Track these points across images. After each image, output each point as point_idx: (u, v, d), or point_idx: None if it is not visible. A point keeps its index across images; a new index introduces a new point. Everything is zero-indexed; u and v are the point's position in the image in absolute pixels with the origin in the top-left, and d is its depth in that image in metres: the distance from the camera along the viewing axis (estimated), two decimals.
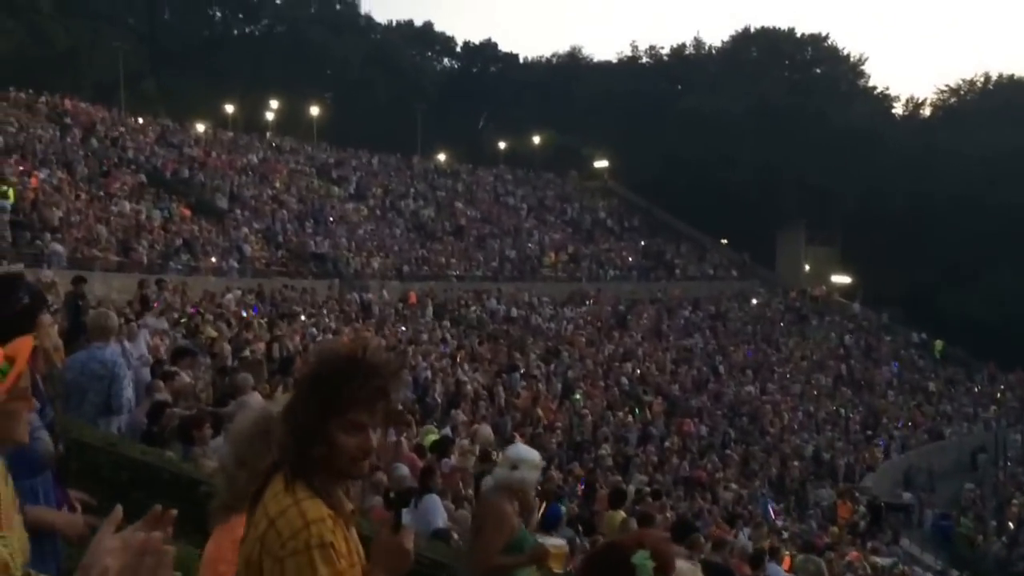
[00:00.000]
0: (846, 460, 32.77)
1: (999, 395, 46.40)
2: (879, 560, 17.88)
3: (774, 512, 23.21)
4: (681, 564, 3.20)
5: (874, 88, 73.84)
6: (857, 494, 28.67)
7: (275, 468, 2.42)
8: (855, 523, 25.48)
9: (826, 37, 74.38)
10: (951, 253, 58.74)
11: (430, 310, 33.25)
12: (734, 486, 24.19)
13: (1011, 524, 30.24)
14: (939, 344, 51.13)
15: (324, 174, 47.88)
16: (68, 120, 38.03)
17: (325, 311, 27.12)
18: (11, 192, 24.42)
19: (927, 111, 74.43)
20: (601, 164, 68.61)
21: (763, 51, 73.31)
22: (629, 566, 2.78)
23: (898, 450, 36.46)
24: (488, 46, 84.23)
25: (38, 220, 24.06)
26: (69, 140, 35.11)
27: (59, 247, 22.82)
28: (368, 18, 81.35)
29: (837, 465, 32.05)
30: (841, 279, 59.03)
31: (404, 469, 11.21)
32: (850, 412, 38.57)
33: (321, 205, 41.92)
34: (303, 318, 24.41)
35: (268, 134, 56.06)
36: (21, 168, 27.94)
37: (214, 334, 17.08)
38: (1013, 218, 56.21)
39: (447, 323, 32.45)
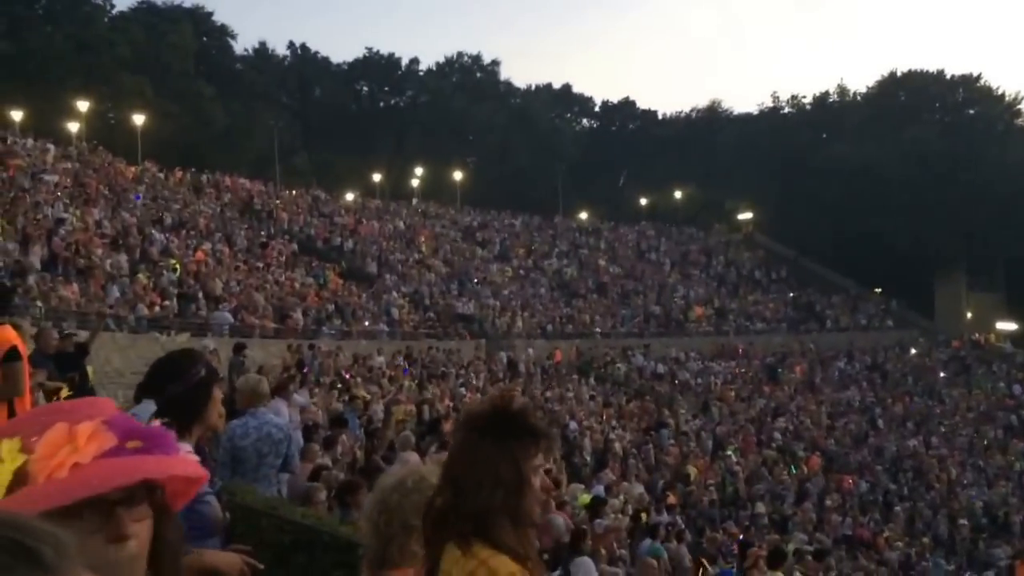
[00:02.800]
0: (1023, 517, 30.74)
1: None
2: None
3: (946, 573, 21.97)
4: None
5: None
6: None
7: (437, 529, 2.36)
8: None
9: (978, 77, 71.56)
10: None
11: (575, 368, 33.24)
12: (900, 545, 23.03)
13: None
14: None
15: (468, 237, 48.83)
16: (228, 196, 40.10)
17: (472, 371, 27.46)
18: (178, 265, 25.85)
19: None
20: (745, 216, 67.61)
21: (911, 95, 71.11)
22: None
23: None
24: (626, 104, 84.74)
25: (201, 291, 25.32)
26: (228, 214, 36.97)
27: (227, 315, 23.90)
28: (508, 83, 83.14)
29: (1012, 522, 30.09)
30: (1007, 326, 55.96)
31: (560, 520, 11.16)
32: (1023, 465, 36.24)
33: (466, 267, 42.70)
34: (452, 379, 24.76)
35: (414, 200, 57.70)
36: (187, 243, 29.56)
37: (367, 396, 17.51)
38: None
39: (593, 380, 32.33)
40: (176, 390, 3.35)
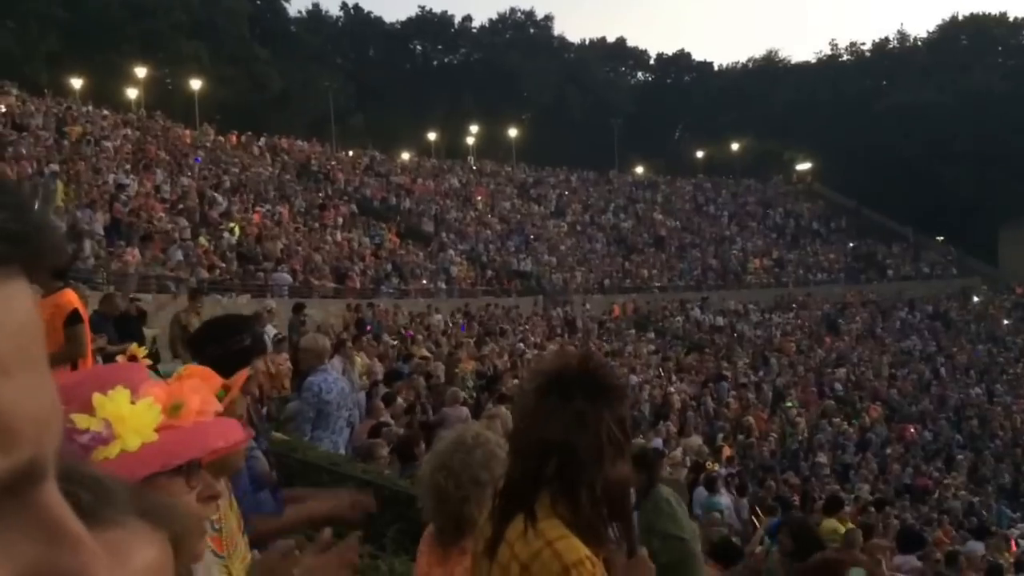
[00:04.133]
0: None
1: None
2: None
3: (1011, 521, 21.73)
4: None
5: None
6: None
7: (511, 498, 2.20)
8: None
9: None
10: None
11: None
12: (963, 494, 22.82)
13: None
14: None
15: (524, 193, 48.80)
16: (285, 157, 40.50)
17: (530, 327, 27.62)
18: (236, 228, 26.24)
19: None
20: (804, 167, 66.57)
21: (973, 38, 69.19)
22: None
23: None
24: (681, 56, 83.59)
25: (261, 253, 25.69)
26: (286, 177, 37.37)
27: (286, 276, 24.27)
28: (561, 39, 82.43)
29: None
30: None
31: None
32: None
33: (522, 224, 42.73)
34: (510, 335, 24.94)
35: (469, 158, 57.73)
36: (246, 206, 29.97)
37: (426, 354, 17.74)
38: None
39: (651, 334, 32.31)
40: (215, 352, 3.44)
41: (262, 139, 42.78)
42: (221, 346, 3.46)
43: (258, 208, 29.82)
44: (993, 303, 49.02)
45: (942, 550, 12.04)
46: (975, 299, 49.02)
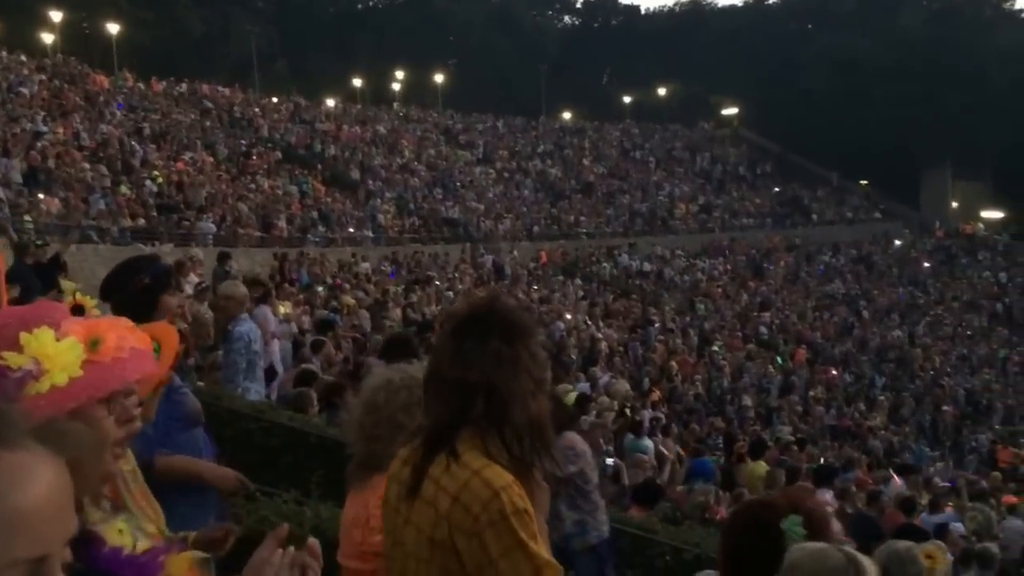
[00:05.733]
0: (1005, 402, 31.41)
1: None
2: None
3: (930, 460, 22.48)
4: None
5: (1020, 12, 69.70)
6: (1020, 438, 27.42)
7: (433, 440, 2.23)
8: (1016, 468, 24.37)
9: None
10: None
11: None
12: (884, 433, 23.51)
13: None
14: None
15: (451, 140, 48.39)
16: (207, 104, 39.49)
17: (458, 275, 27.54)
18: (159, 176, 25.60)
19: None
20: (730, 112, 67.06)
21: None
22: (777, 529, 2.68)
23: None
24: (608, 0, 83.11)
25: (184, 201, 25.13)
26: (208, 124, 36.47)
27: (210, 225, 23.82)
28: None
29: (995, 408, 30.75)
30: (993, 214, 56.20)
31: None
32: (1008, 352, 36.85)
33: (450, 171, 42.43)
34: (438, 283, 24.84)
35: (395, 104, 56.95)
36: (168, 153, 29.22)
37: (351, 302, 17.57)
38: None
39: (579, 280, 32.47)
40: (120, 299, 3.34)
41: (183, 85, 41.63)
42: (123, 290, 3.35)
43: (181, 156, 29.10)
44: (914, 246, 50.28)
45: (863, 489, 12.31)
46: (897, 243, 50.20)
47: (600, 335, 23.81)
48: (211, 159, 30.71)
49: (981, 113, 58.52)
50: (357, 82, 60.76)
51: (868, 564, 2.50)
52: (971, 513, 12.78)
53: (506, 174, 45.79)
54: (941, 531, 10.19)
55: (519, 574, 2.09)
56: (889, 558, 3.67)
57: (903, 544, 4.02)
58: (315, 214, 29.86)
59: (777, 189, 55.11)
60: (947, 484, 16.57)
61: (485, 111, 55.73)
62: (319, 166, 36.09)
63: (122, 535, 1.93)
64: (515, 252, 33.98)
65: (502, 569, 2.09)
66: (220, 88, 44.17)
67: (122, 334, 1.79)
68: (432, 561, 2.18)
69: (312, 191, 32.29)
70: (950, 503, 13.51)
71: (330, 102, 50.81)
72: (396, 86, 62.37)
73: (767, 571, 2.64)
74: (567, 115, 62.91)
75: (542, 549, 2.14)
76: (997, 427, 28.64)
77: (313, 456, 6.91)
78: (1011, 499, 16.22)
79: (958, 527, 11.25)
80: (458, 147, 47.48)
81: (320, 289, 19.07)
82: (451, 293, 23.50)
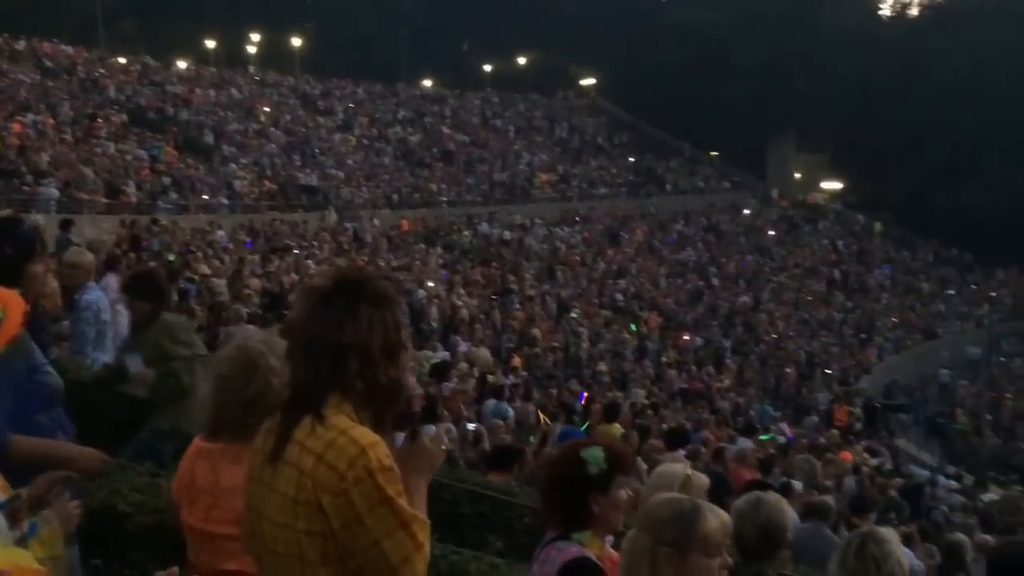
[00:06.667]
0: (841, 364, 33.24)
1: (993, 293, 46.85)
2: (870, 459, 18.28)
3: (773, 418, 23.58)
4: (673, 466, 3.38)
5: None
6: (853, 396, 29.12)
7: (297, 403, 2.25)
8: (851, 425, 25.89)
9: None
10: (943, 154, 58.41)
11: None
12: (731, 395, 24.54)
13: (1005, 420, 30.91)
14: (878, 226, 52.37)
15: (309, 105, 47.48)
16: (49, 63, 37.58)
17: (317, 243, 27.17)
18: None
19: (915, 11, 73.50)
20: (588, 82, 67.94)
21: None
22: (580, 460, 3.06)
23: (892, 351, 36.95)
24: None
25: (25, 165, 23.97)
26: (51, 83, 34.75)
27: (52, 191, 22.81)
28: None
29: (833, 370, 32.50)
30: (832, 185, 58.98)
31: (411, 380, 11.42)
32: (844, 316, 38.97)
33: (308, 137, 41.69)
34: (296, 251, 24.47)
35: (250, 68, 55.40)
36: (6, 115, 27.74)
37: (207, 271, 17.18)
38: (1003, 116, 55.91)
39: (439, 249, 32.53)
40: None
41: (22, 42, 39.47)
42: None
43: (19, 117, 27.68)
44: (760, 216, 52.31)
45: (711, 448, 12.87)
46: (745, 212, 52.10)
47: (460, 303, 23.97)
48: (52, 121, 29.33)
49: (823, 88, 61.00)
50: (210, 43, 58.78)
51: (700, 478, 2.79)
52: (798, 464, 13.68)
53: (366, 141, 45.29)
54: (785, 488, 10.93)
55: (387, 529, 2.12)
56: (748, 503, 3.91)
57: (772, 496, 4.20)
58: (167, 180, 28.92)
59: (632, 159, 56.29)
60: (788, 439, 17.58)
61: (344, 76, 54.81)
62: (171, 130, 34.90)
63: None
64: (376, 220, 33.75)
65: (369, 525, 2.12)
66: (63, 46, 42.09)
67: None
68: (296, 523, 2.17)
69: (164, 156, 31.23)
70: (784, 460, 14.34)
71: (181, 64, 49.07)
72: (251, 49, 60.62)
73: (572, 497, 3.04)
74: (427, 82, 62.52)
75: (413, 505, 2.20)
76: (834, 387, 30.27)
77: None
78: (848, 455, 17.27)
79: (798, 484, 12.00)
80: (316, 113, 46.65)
81: (172, 258, 18.54)
82: (310, 262, 23.19)
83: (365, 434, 2.16)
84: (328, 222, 31.25)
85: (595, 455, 3.06)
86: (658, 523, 2.59)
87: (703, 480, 3.91)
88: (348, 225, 31.79)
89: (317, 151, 40.24)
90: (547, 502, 3.20)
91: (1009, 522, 13.39)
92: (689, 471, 4.20)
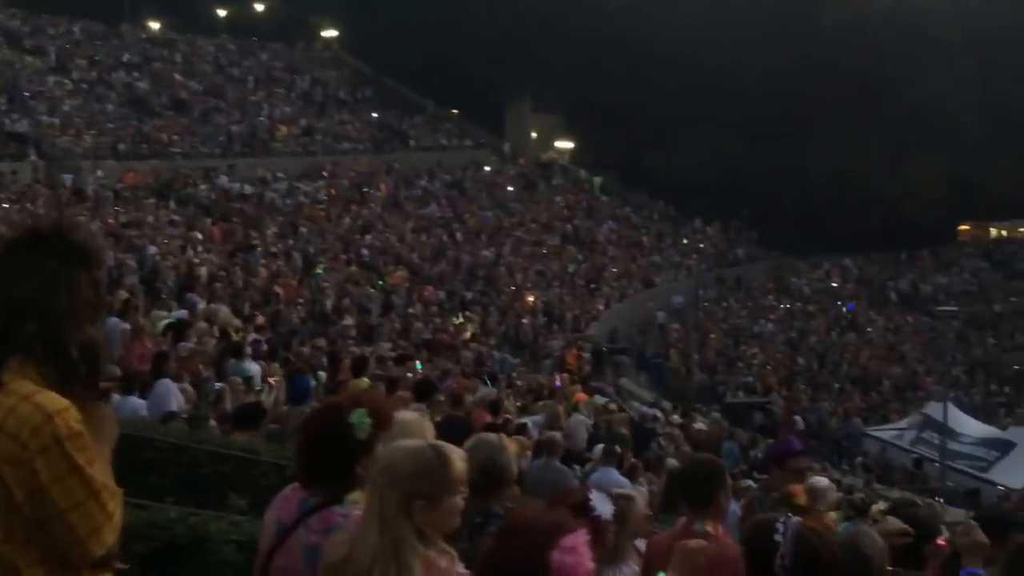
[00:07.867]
0: (573, 312, 35.01)
1: (701, 245, 50.99)
2: (600, 398, 19.57)
3: (512, 366, 24.42)
4: (407, 415, 3.43)
5: None
6: (583, 342, 30.82)
7: None
8: (582, 368, 27.29)
9: None
10: (659, 117, 61.65)
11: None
12: (475, 345, 25.11)
13: (710, 358, 35.05)
14: (597, 181, 55.71)
15: (16, 44, 43.52)
16: None
17: (31, 196, 25.09)
18: None
19: None
20: (329, 34, 66.52)
21: None
22: (347, 425, 3.00)
23: (617, 300, 39.32)
24: None
25: None
26: None
27: None
28: None
29: (565, 318, 34.13)
30: (565, 145, 61.31)
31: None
32: (576, 268, 40.97)
33: (15, 79, 38.31)
34: (6, 205, 22.52)
35: None
36: None
37: None
38: (712, 81, 60.22)
39: (173, 204, 30.96)
40: None
41: None
42: None
43: None
44: (500, 173, 53.53)
45: (456, 396, 13.20)
46: (486, 169, 53.11)
47: (198, 260, 22.96)
48: None
49: (558, 52, 62.90)
50: None
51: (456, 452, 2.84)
52: (541, 405, 14.54)
53: (85, 86, 42.15)
54: (522, 428, 11.92)
55: (74, 499, 2.02)
56: (469, 446, 4.05)
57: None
58: None
59: (376, 115, 55.82)
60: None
61: (57, 13, 50.50)
62: None
63: None
64: (99, 172, 31.58)
65: (55, 496, 2.01)
66: None
67: None
68: None
69: None
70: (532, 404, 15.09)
71: None
72: None
73: (341, 462, 3.02)
74: (155, 25, 58.84)
75: (102, 473, 2.10)
76: (567, 334, 31.91)
77: None
78: (581, 396, 18.30)
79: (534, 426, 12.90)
80: (25, 52, 42.83)
81: None
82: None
83: (51, 399, 2.05)
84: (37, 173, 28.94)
85: (362, 420, 3.02)
86: (406, 478, 2.64)
87: (429, 425, 4.01)
88: (66, 177, 29.52)
89: (27, 95, 37.06)
90: (308, 466, 3.14)
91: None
92: (423, 419, 4.28)
